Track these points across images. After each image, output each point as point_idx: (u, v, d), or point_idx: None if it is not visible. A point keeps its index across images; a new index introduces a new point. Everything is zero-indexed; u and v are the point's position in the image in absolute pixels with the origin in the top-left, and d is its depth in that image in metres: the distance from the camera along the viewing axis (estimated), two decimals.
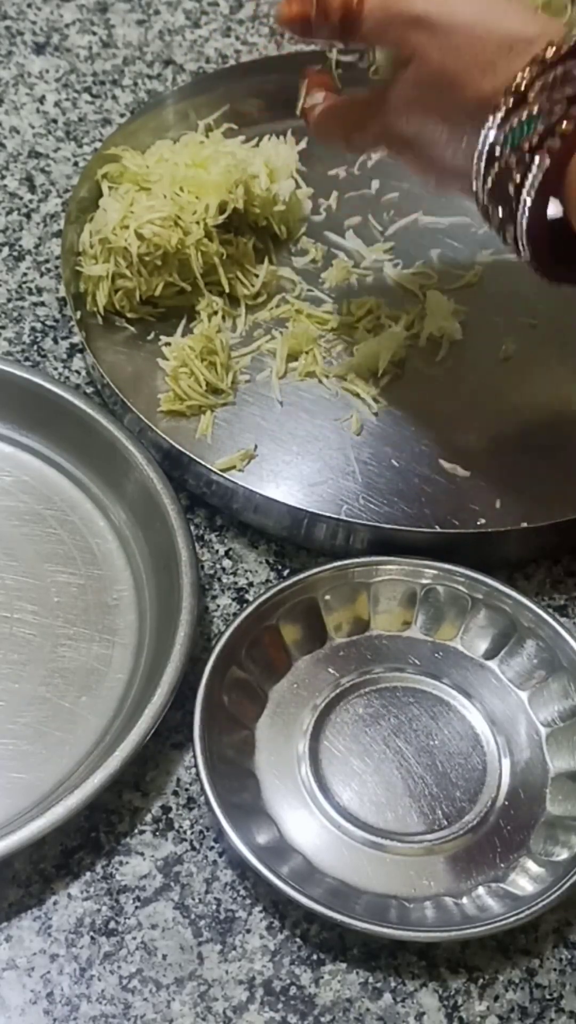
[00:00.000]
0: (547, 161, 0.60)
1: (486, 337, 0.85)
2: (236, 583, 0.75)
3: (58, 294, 0.86)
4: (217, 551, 0.76)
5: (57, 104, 0.98)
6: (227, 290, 0.84)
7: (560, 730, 0.70)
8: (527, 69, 0.61)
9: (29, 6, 1.04)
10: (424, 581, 0.73)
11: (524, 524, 0.76)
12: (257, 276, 0.85)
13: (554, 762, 0.69)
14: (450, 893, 0.64)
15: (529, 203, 0.61)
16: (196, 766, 0.65)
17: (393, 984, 0.63)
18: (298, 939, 0.64)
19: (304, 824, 0.66)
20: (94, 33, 1.03)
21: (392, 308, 0.85)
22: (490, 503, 0.77)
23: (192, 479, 0.76)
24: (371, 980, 0.63)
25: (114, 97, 0.98)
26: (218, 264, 0.83)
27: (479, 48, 0.62)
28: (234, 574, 0.75)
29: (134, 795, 0.67)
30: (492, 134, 0.62)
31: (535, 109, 0.60)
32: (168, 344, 0.81)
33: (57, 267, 0.87)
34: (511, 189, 0.62)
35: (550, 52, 0.61)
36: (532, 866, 0.65)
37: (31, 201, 0.91)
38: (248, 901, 0.65)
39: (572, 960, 0.64)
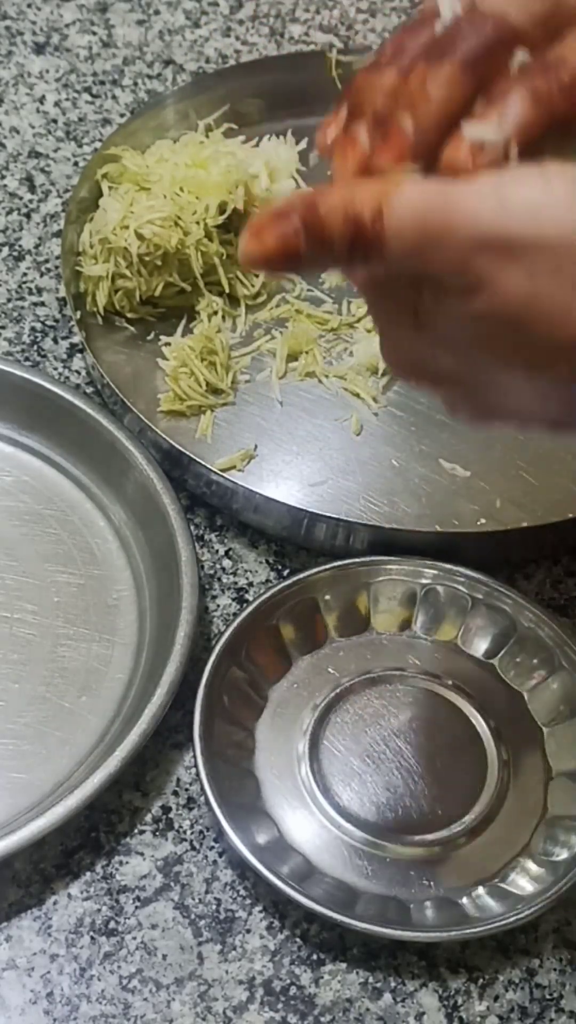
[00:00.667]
0: None
1: None
2: (236, 583, 0.75)
3: (58, 294, 0.86)
4: (217, 551, 0.76)
5: (57, 104, 0.98)
6: (227, 290, 0.84)
7: (560, 730, 0.70)
8: None
9: (29, 6, 1.04)
10: (424, 581, 0.73)
11: (524, 524, 0.76)
12: (257, 276, 0.85)
13: (554, 762, 0.69)
14: (450, 893, 0.64)
15: None
16: (196, 766, 0.65)
17: (393, 984, 0.63)
18: (298, 939, 0.64)
19: (304, 824, 0.66)
20: (94, 33, 1.03)
21: None
22: (490, 503, 0.77)
23: (192, 479, 0.76)
24: (371, 980, 0.63)
25: (114, 97, 0.98)
26: (218, 264, 0.83)
27: None
28: (234, 574, 0.75)
29: (134, 795, 0.67)
30: None
31: None
32: (168, 344, 0.81)
33: (57, 267, 0.87)
34: None
35: None
36: (532, 866, 0.65)
37: (31, 201, 0.91)
38: (248, 901, 0.65)
39: (572, 960, 0.64)
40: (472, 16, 0.44)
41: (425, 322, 0.45)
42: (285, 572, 0.76)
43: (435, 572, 0.73)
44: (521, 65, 0.44)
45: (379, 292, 0.47)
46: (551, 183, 0.42)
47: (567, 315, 0.43)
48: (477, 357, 0.46)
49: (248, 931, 0.64)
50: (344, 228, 0.43)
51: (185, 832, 0.67)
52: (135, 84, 1.00)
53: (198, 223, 0.81)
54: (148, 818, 0.67)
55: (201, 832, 0.67)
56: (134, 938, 0.63)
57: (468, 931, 0.62)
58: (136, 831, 0.66)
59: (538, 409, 0.48)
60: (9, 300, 0.86)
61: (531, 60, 0.43)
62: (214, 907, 0.64)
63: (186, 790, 0.68)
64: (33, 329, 0.84)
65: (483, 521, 0.76)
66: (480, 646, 0.72)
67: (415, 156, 0.44)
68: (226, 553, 0.76)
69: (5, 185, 0.92)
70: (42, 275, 0.87)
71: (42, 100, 0.98)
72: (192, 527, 0.76)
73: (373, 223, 0.42)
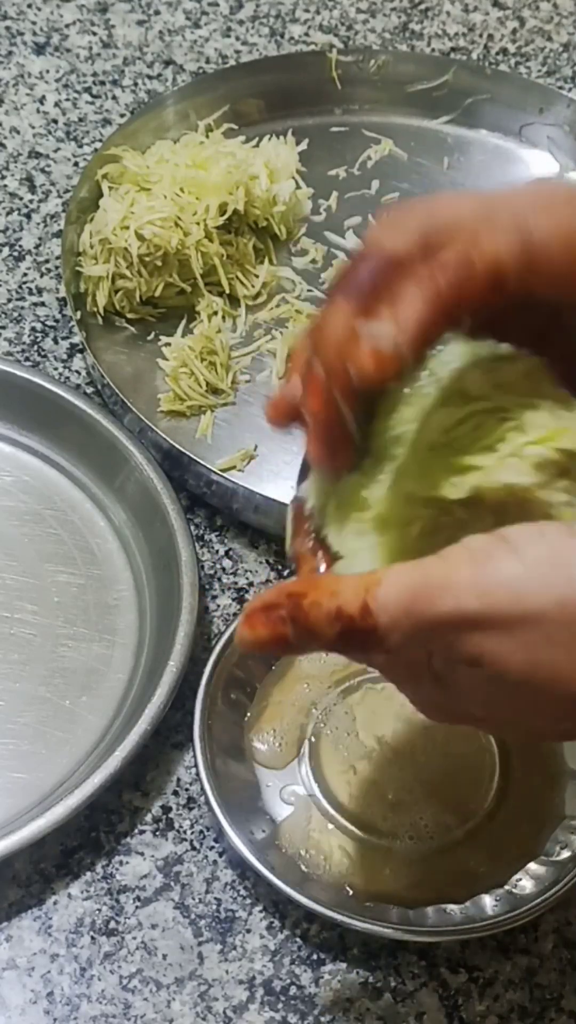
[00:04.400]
0: None
1: None
2: (236, 583, 0.75)
3: (58, 294, 0.86)
4: (217, 551, 0.76)
5: (57, 104, 0.98)
6: (227, 290, 0.84)
7: None
8: None
9: (29, 6, 1.04)
10: None
11: None
12: (257, 276, 0.85)
13: (557, 762, 0.69)
14: (450, 893, 0.64)
15: None
16: (196, 766, 0.65)
17: (393, 984, 0.63)
18: (298, 939, 0.64)
19: (304, 824, 0.66)
20: (94, 33, 1.03)
21: None
22: None
23: (192, 479, 0.76)
24: (371, 980, 0.63)
25: (114, 97, 0.98)
26: (218, 264, 0.83)
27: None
28: (234, 574, 0.75)
29: (134, 795, 0.67)
30: None
31: None
32: (168, 344, 0.81)
33: (57, 267, 0.87)
34: None
35: None
36: (532, 866, 0.65)
37: (31, 201, 0.91)
38: (248, 901, 0.65)
39: (572, 960, 0.64)
40: (357, 257, 0.47)
41: (444, 682, 0.46)
42: (285, 572, 0.76)
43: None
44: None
45: (387, 663, 0.48)
46: (522, 554, 0.43)
47: (572, 676, 0.43)
48: (502, 708, 0.46)
49: (248, 931, 0.64)
50: (330, 624, 0.44)
51: (185, 832, 0.67)
52: (135, 84, 1.00)
53: (198, 224, 0.81)
54: (148, 818, 0.67)
55: (201, 832, 0.67)
56: (134, 938, 0.63)
57: (468, 931, 0.62)
58: (136, 831, 0.66)
59: (565, 736, 0.51)
60: (9, 300, 0.86)
61: (417, 267, 0.46)
62: (214, 907, 0.65)
63: (186, 790, 0.68)
64: (33, 329, 0.84)
65: None
66: None
67: (343, 394, 0.47)
68: (226, 553, 0.76)
69: (5, 185, 0.92)
70: (42, 275, 0.87)
71: (42, 100, 0.98)
72: (192, 527, 0.76)
73: (364, 618, 0.43)
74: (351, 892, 0.64)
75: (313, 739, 0.68)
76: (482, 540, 0.43)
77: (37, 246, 0.89)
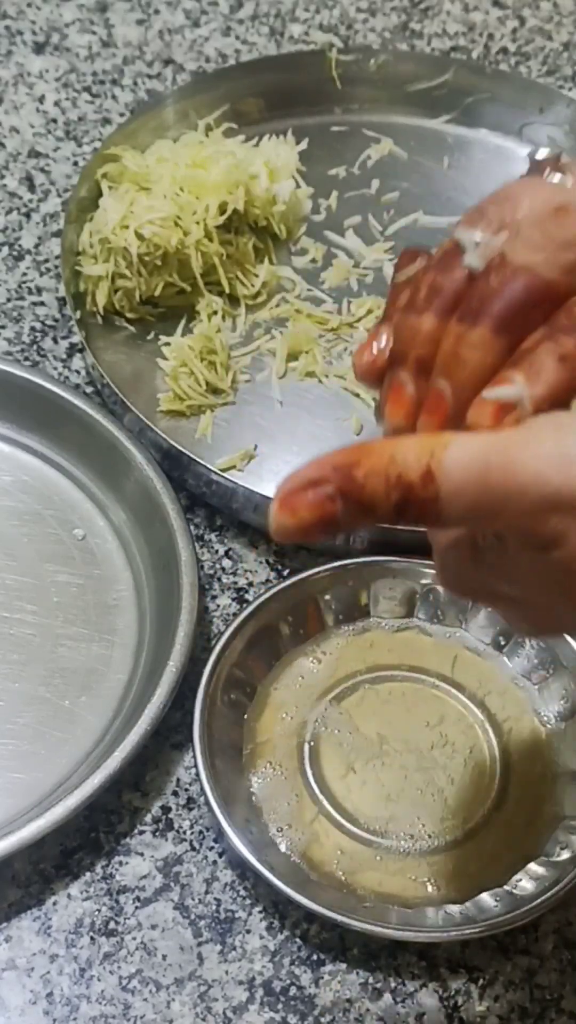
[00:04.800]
0: None
1: None
2: (236, 583, 0.75)
3: (58, 294, 0.86)
4: (217, 551, 0.76)
5: (57, 104, 0.97)
6: (227, 290, 0.84)
7: (562, 729, 0.70)
8: None
9: (29, 6, 1.04)
10: (424, 581, 0.73)
11: None
12: (257, 276, 0.85)
13: (555, 761, 0.69)
14: (450, 893, 0.64)
15: None
16: (196, 766, 0.65)
17: (393, 984, 0.63)
18: (298, 939, 0.64)
19: (305, 824, 0.66)
20: (94, 33, 1.02)
21: None
22: None
23: (192, 479, 0.76)
24: (371, 980, 0.63)
25: (114, 97, 0.98)
26: (218, 264, 0.83)
27: None
28: (234, 574, 0.75)
29: (134, 795, 0.67)
30: None
31: None
32: (168, 344, 0.81)
33: (57, 267, 0.87)
34: None
35: None
36: (532, 866, 0.65)
37: (31, 201, 0.91)
38: (248, 901, 0.65)
39: (572, 960, 0.64)
40: (503, 271, 0.43)
41: (487, 561, 0.43)
42: (285, 572, 0.76)
43: (435, 572, 0.72)
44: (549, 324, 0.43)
45: (431, 530, 0.45)
46: None
47: None
48: (546, 593, 0.43)
49: (248, 931, 0.64)
50: (388, 493, 0.40)
51: (185, 832, 0.67)
52: (135, 84, 0.99)
53: (198, 223, 0.81)
54: (148, 818, 0.67)
55: (201, 832, 0.67)
56: (134, 938, 0.63)
57: (468, 931, 0.62)
58: (136, 831, 0.66)
59: None
60: (9, 300, 0.86)
61: (561, 314, 0.43)
62: (214, 907, 0.64)
63: (186, 790, 0.68)
64: (33, 329, 0.84)
65: None
66: (480, 645, 0.72)
67: (454, 422, 0.43)
68: (226, 553, 0.76)
69: (5, 185, 0.92)
70: (42, 275, 0.87)
71: (42, 100, 0.98)
72: (192, 527, 0.76)
73: (425, 485, 0.39)
74: (351, 892, 0.64)
75: (313, 739, 0.68)
76: (567, 413, 0.41)
77: (36, 246, 0.89)
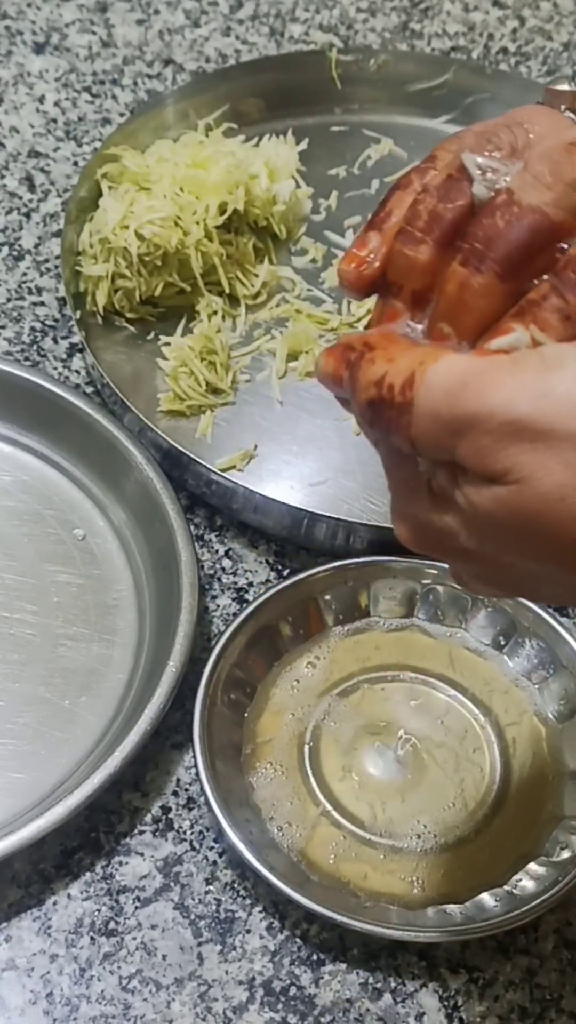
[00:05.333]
0: None
1: None
2: (236, 583, 0.75)
3: (58, 294, 0.86)
4: (217, 551, 0.76)
5: (57, 104, 0.98)
6: (227, 290, 0.84)
7: (562, 729, 0.70)
8: None
9: (29, 6, 1.04)
10: (424, 581, 0.73)
11: None
12: (257, 276, 0.85)
13: (557, 762, 0.69)
14: (450, 893, 0.64)
15: None
16: (196, 766, 0.65)
17: (393, 984, 0.63)
18: (298, 939, 0.64)
19: (304, 824, 0.66)
20: (94, 33, 1.02)
21: None
22: None
23: (192, 479, 0.76)
24: (371, 980, 0.63)
25: (114, 97, 0.98)
26: (218, 264, 0.83)
27: None
28: (234, 574, 0.75)
29: (134, 795, 0.67)
30: None
31: None
32: (168, 344, 0.81)
33: (57, 267, 0.87)
34: None
35: None
36: (532, 866, 0.65)
37: (31, 201, 0.91)
38: (248, 901, 0.65)
39: (572, 960, 0.64)
40: (509, 211, 0.42)
41: (442, 502, 0.43)
42: (285, 572, 0.76)
43: (435, 571, 0.72)
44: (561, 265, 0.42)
45: (393, 460, 0.45)
46: None
47: None
48: (498, 542, 0.42)
49: (248, 931, 0.64)
50: (367, 387, 0.42)
51: (185, 832, 0.67)
52: (135, 84, 0.99)
53: (198, 223, 0.81)
54: (148, 818, 0.67)
55: (201, 832, 0.67)
56: (134, 938, 0.63)
57: (468, 931, 0.62)
58: (136, 831, 0.66)
59: (564, 593, 0.46)
60: (9, 300, 0.86)
61: (569, 268, 0.42)
62: (214, 907, 0.64)
63: (186, 790, 0.68)
64: (33, 329, 0.84)
65: None
66: (480, 645, 0.72)
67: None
68: (226, 553, 0.76)
69: (5, 185, 0.92)
70: (42, 275, 0.87)
71: (42, 100, 0.98)
72: (192, 527, 0.76)
73: (403, 391, 0.41)
74: (351, 892, 0.64)
75: (313, 738, 0.68)
76: (559, 347, 0.41)
77: (37, 246, 0.89)
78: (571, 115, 0.45)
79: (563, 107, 0.45)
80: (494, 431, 0.40)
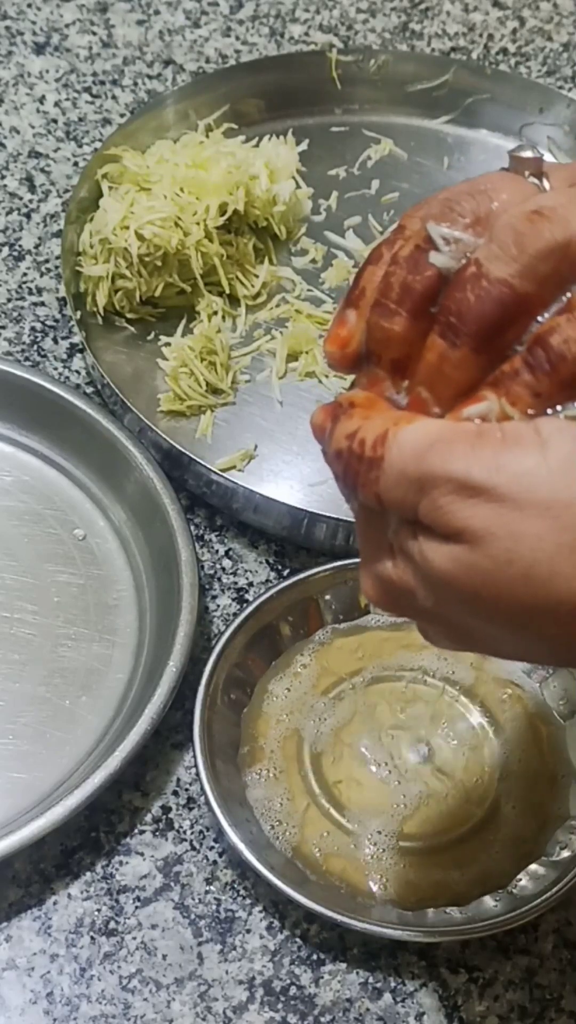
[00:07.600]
0: None
1: None
2: (236, 583, 0.75)
3: (58, 294, 0.86)
4: (217, 551, 0.76)
5: (57, 104, 0.98)
6: (227, 290, 0.84)
7: (562, 729, 0.70)
8: None
9: (29, 6, 1.04)
10: None
11: None
12: (257, 276, 0.85)
13: (556, 761, 0.69)
14: (451, 893, 0.64)
15: None
16: (196, 766, 0.65)
17: (393, 984, 0.63)
18: (298, 939, 0.64)
19: (305, 824, 0.66)
20: (94, 33, 1.03)
21: None
22: None
23: (192, 479, 0.76)
24: (371, 980, 0.63)
25: (114, 97, 0.98)
26: (218, 264, 0.83)
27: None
28: (234, 574, 0.75)
29: (134, 795, 0.67)
30: None
31: None
32: (168, 344, 0.81)
33: (57, 267, 0.87)
34: None
35: None
36: (532, 866, 0.65)
37: (31, 201, 0.91)
38: (248, 901, 0.65)
39: (572, 960, 0.64)
40: (478, 285, 0.43)
41: (403, 555, 0.45)
42: (285, 572, 0.76)
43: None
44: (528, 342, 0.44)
45: (364, 517, 0.47)
46: (549, 451, 0.42)
47: (552, 582, 0.42)
48: (454, 603, 0.44)
49: (248, 931, 0.64)
50: (340, 440, 0.45)
51: (185, 832, 0.67)
52: (135, 84, 1.00)
53: (198, 224, 0.81)
54: (148, 818, 0.67)
55: (201, 832, 0.67)
56: (134, 938, 0.63)
57: (468, 931, 0.62)
58: (136, 831, 0.66)
59: (518, 652, 0.48)
60: (9, 300, 0.86)
61: (539, 348, 0.43)
62: (214, 907, 0.64)
63: (186, 790, 0.68)
64: (33, 329, 0.84)
65: None
66: None
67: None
68: (226, 553, 0.76)
69: (5, 185, 0.92)
70: (42, 275, 0.87)
71: (42, 100, 0.98)
72: (192, 527, 0.76)
73: (375, 447, 0.44)
74: (351, 892, 0.64)
75: (313, 738, 0.68)
76: (518, 426, 0.43)
77: (37, 246, 0.89)
78: (535, 181, 0.46)
79: (527, 173, 0.46)
80: (453, 492, 0.42)
